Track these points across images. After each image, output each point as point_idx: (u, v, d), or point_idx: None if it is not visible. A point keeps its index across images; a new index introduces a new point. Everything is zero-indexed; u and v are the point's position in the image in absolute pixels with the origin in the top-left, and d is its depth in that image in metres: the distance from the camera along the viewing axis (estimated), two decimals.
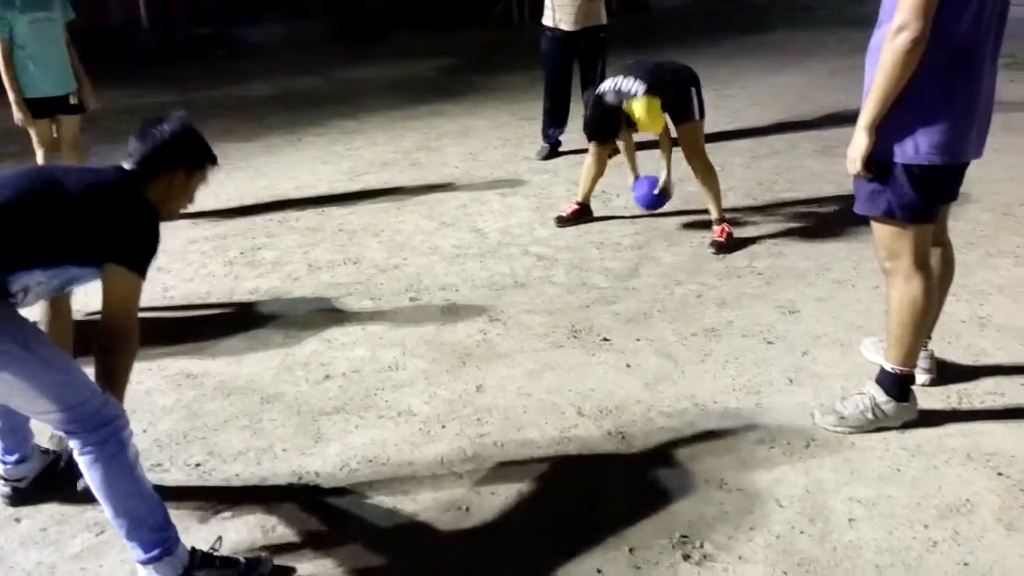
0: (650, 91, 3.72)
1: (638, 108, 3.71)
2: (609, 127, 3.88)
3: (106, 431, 1.90)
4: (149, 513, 1.95)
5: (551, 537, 2.16)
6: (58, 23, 4.47)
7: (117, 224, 2.01)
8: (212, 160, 2.26)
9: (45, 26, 4.41)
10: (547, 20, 5.61)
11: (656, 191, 4.10)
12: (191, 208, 2.35)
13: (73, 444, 1.92)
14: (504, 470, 2.45)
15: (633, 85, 3.74)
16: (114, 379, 2.05)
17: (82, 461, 1.92)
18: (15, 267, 1.88)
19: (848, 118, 2.35)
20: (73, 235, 1.96)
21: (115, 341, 2.04)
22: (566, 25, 5.48)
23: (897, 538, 2.09)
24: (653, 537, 2.13)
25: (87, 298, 3.78)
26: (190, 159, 2.20)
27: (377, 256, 4.18)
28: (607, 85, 3.85)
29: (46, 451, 2.49)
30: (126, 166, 2.13)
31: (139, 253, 2.04)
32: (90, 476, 1.92)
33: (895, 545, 2.06)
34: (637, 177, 4.28)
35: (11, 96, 4.40)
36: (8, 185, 1.95)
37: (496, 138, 6.43)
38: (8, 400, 1.92)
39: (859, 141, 2.25)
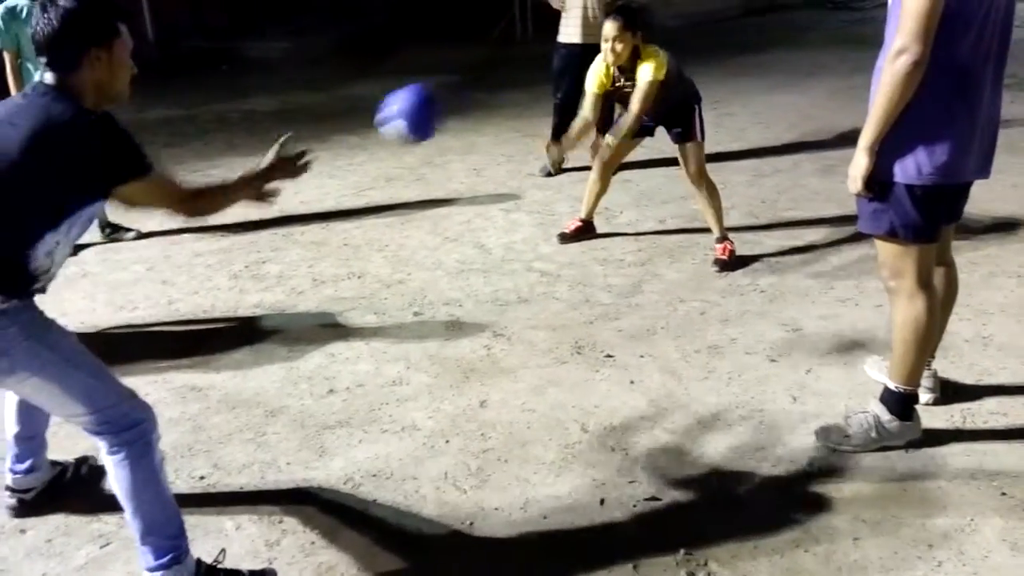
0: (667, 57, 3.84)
1: (648, 51, 3.82)
2: (632, 16, 3.84)
3: (135, 432, 1.94)
4: (166, 520, 1.97)
5: (555, 554, 2.17)
6: None
7: (85, 157, 1.82)
8: (124, 18, 1.95)
9: None
10: (563, 37, 5.66)
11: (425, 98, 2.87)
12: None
13: (101, 444, 1.94)
14: (508, 486, 2.45)
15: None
16: (218, 204, 2.11)
17: (109, 461, 1.94)
18: (21, 245, 1.82)
19: (850, 138, 2.37)
20: (49, 190, 1.81)
21: (188, 212, 2.08)
22: (585, 39, 5.42)
23: (902, 558, 2.09)
24: (657, 554, 2.13)
25: (93, 303, 3.83)
26: (98, 31, 1.88)
27: (381, 271, 4.19)
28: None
29: (54, 463, 2.50)
30: (47, 78, 1.87)
31: (127, 165, 1.87)
32: (115, 476, 1.94)
33: (899, 565, 2.06)
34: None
35: None
36: None
37: (500, 154, 6.46)
38: (39, 402, 1.95)
39: (860, 161, 2.27)
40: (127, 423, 1.93)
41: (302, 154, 2.20)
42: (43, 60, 1.87)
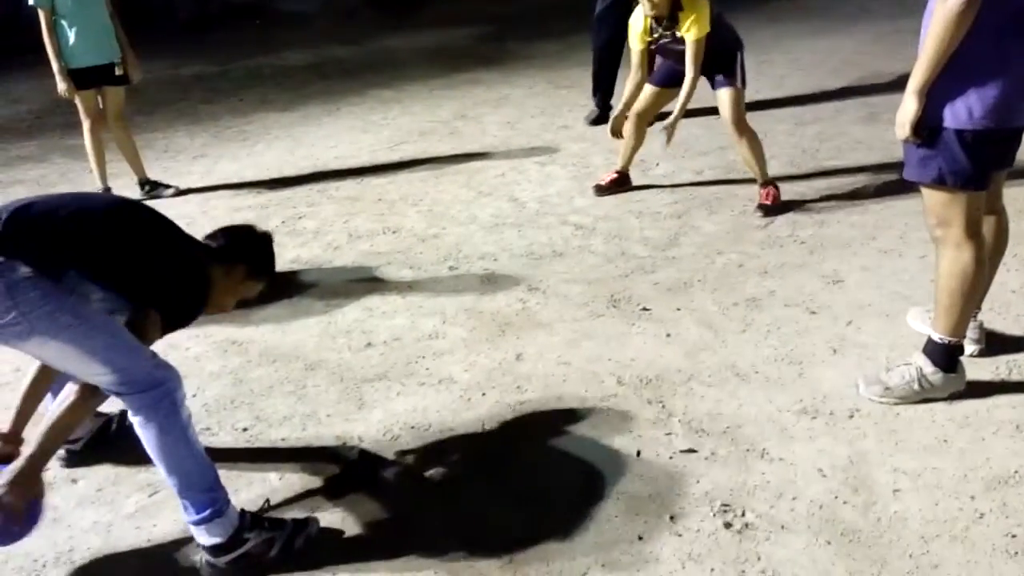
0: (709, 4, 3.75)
1: (689, 1, 3.73)
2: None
3: (159, 392, 1.95)
4: (200, 475, 2.00)
5: (592, 503, 2.18)
6: None
7: (176, 279, 2.10)
8: (273, 276, 2.40)
9: None
10: None
11: None
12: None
13: (126, 405, 1.97)
14: (544, 437, 2.46)
15: None
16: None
17: (135, 422, 1.97)
18: (71, 264, 1.93)
19: (895, 84, 2.29)
20: (136, 268, 2.03)
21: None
22: None
23: (943, 509, 2.07)
24: (694, 505, 2.14)
25: None
26: (257, 263, 2.33)
27: (416, 225, 4.20)
28: None
29: (99, 414, 2.56)
30: (211, 242, 2.27)
31: (179, 309, 2.12)
32: (144, 436, 1.97)
33: (940, 516, 2.04)
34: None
35: (54, 66, 4.47)
36: (100, 199, 2.15)
37: (533, 106, 6.38)
38: (61, 365, 1.98)
39: (909, 106, 2.20)
40: (150, 383, 1.94)
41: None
42: (215, 243, 2.27)
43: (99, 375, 1.93)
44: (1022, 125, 2.27)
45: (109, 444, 2.52)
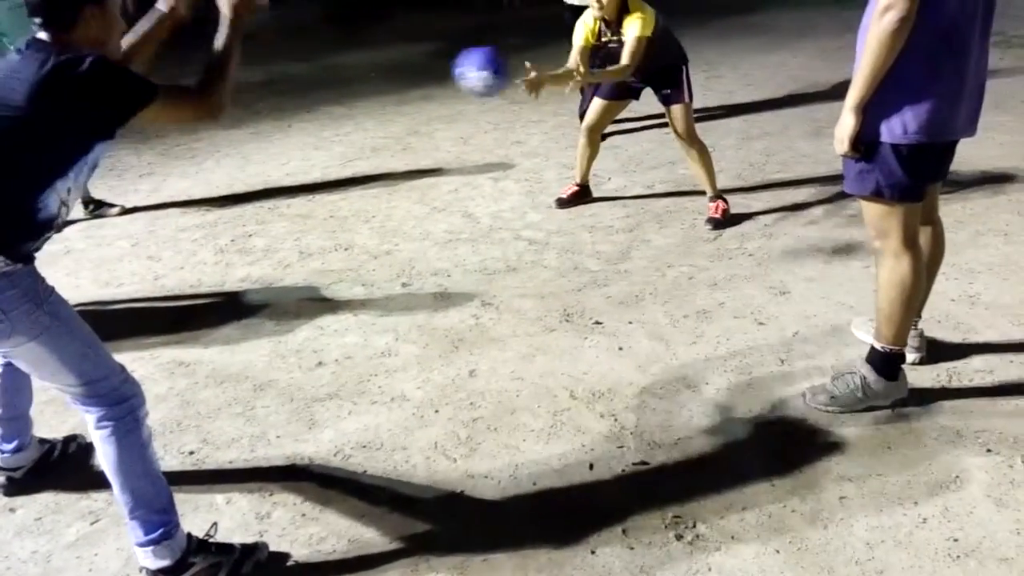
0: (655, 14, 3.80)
1: (636, 5, 3.77)
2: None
3: (124, 407, 1.94)
4: (155, 495, 1.97)
5: (545, 520, 2.18)
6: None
7: (91, 98, 1.80)
8: None
9: (21, 12, 4.36)
10: None
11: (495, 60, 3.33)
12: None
13: (89, 418, 1.94)
14: (497, 454, 2.46)
15: None
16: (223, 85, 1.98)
17: (96, 435, 1.94)
18: (31, 195, 1.80)
19: (840, 99, 2.34)
20: (57, 137, 1.81)
21: (208, 109, 1.96)
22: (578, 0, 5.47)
23: (887, 515, 2.11)
24: (646, 518, 2.15)
25: (77, 280, 3.79)
26: None
27: (368, 242, 4.17)
28: None
29: (42, 441, 2.49)
30: (40, 35, 1.89)
31: (134, 92, 1.85)
32: (102, 451, 1.94)
33: (885, 522, 2.08)
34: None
35: None
36: None
37: (486, 122, 6.40)
38: (32, 369, 1.94)
39: (846, 121, 2.26)
40: (117, 397, 1.93)
41: None
42: (38, 20, 1.88)
43: (70, 384, 1.91)
44: (954, 139, 2.35)
45: (50, 471, 2.45)
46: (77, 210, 4.74)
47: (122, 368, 1.99)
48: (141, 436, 1.97)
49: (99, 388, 1.92)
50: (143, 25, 2.27)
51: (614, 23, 3.85)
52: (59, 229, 1.97)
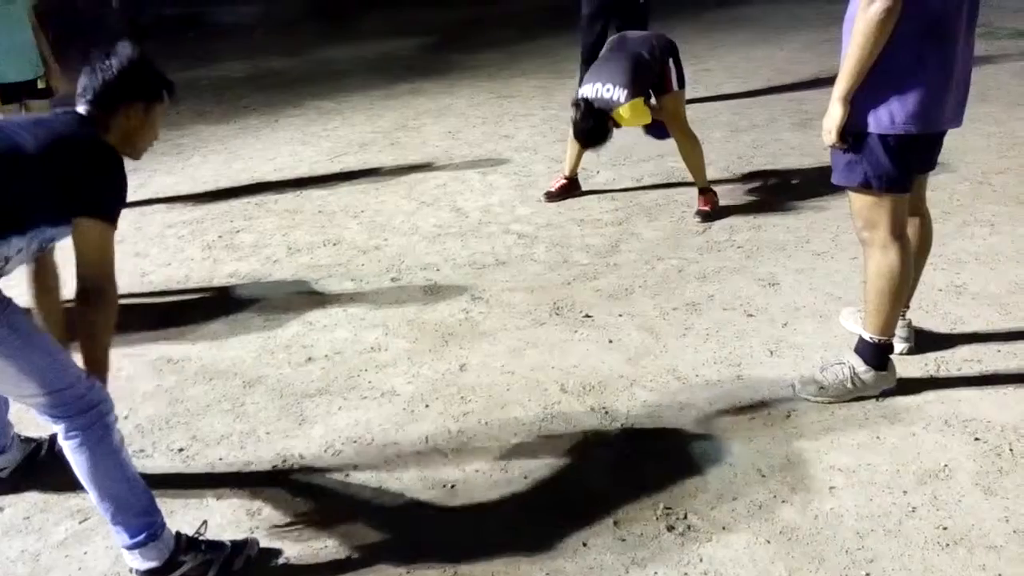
0: (633, 95, 3.73)
1: (625, 113, 3.74)
2: (601, 134, 3.86)
3: (91, 415, 1.89)
4: (135, 498, 1.94)
5: (536, 513, 2.18)
6: (20, 6, 4.37)
7: (81, 175, 1.89)
8: (170, 88, 2.10)
9: (7, 10, 4.31)
10: None
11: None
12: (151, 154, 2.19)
13: (58, 428, 1.90)
14: (488, 448, 2.46)
15: (615, 93, 3.73)
16: (96, 337, 1.97)
17: (67, 445, 1.90)
18: None
19: (827, 92, 2.35)
20: (39, 194, 1.85)
21: (93, 294, 1.94)
22: None
23: (877, 504, 2.12)
24: (637, 510, 2.15)
25: (64, 276, 3.75)
26: (146, 90, 2.04)
27: (357, 237, 4.15)
28: (590, 92, 3.82)
29: (26, 440, 2.47)
30: (80, 109, 1.99)
31: (107, 201, 1.93)
32: (75, 461, 1.91)
33: (875, 511, 2.10)
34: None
35: None
36: None
37: (475, 116, 6.39)
38: None
39: (834, 112, 2.26)
40: (83, 405, 1.88)
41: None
42: (87, 96, 1.99)
43: (32, 396, 1.86)
44: (942, 129, 2.35)
45: (38, 470, 2.43)
46: None
47: (87, 375, 1.96)
48: (113, 442, 1.93)
49: (63, 397, 1.87)
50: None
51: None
52: None
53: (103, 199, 1.93)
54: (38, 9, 4.50)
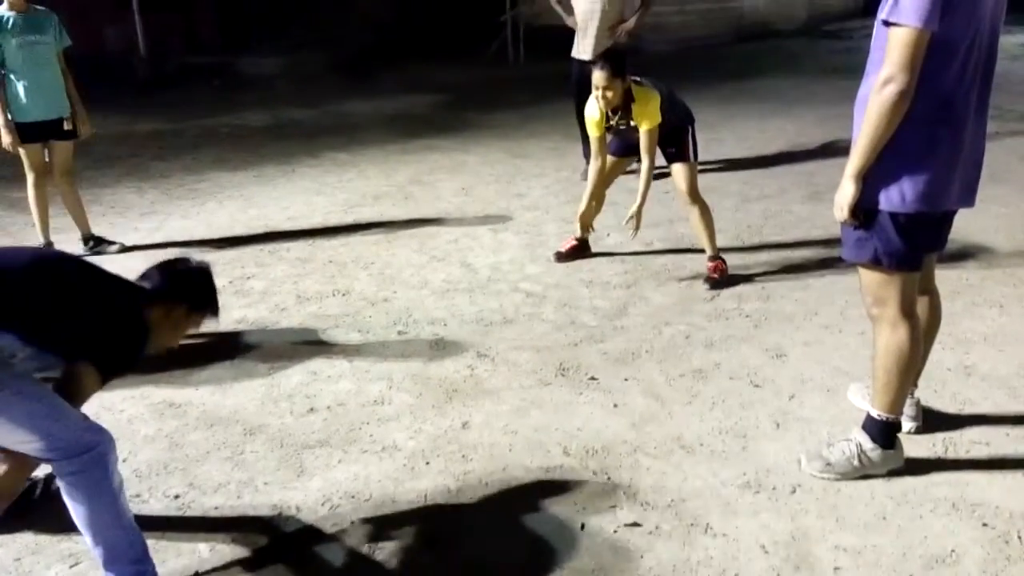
0: (659, 94, 3.93)
1: (640, 93, 3.89)
2: (619, 64, 3.91)
3: (89, 457, 1.88)
4: (129, 545, 1.92)
5: None
6: (51, 47, 4.48)
7: (109, 330, 2.03)
8: (215, 310, 2.33)
9: (37, 49, 4.42)
10: (573, 51, 5.96)
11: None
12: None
13: (55, 469, 1.89)
14: (488, 509, 2.42)
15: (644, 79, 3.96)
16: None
17: (63, 486, 1.89)
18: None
19: (837, 165, 2.38)
20: (63, 323, 1.96)
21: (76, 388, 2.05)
22: (585, 55, 5.80)
23: None
24: None
25: None
26: (197, 298, 2.28)
27: (367, 289, 4.17)
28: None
29: None
30: (145, 284, 2.20)
31: (116, 360, 2.06)
32: (71, 502, 1.89)
33: None
34: None
35: (0, 119, 4.39)
36: (24, 253, 2.09)
37: (488, 174, 6.47)
38: None
39: (846, 189, 2.28)
40: (80, 448, 1.87)
41: None
42: (148, 284, 2.20)
43: (26, 442, 1.85)
44: (952, 209, 2.37)
45: (31, 511, 2.40)
46: (77, 247, 4.75)
47: (84, 416, 1.96)
48: (111, 485, 1.92)
49: (59, 440, 1.88)
50: None
51: (621, 107, 3.97)
52: None
53: (114, 357, 2.06)
54: (67, 52, 4.61)
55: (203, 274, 2.31)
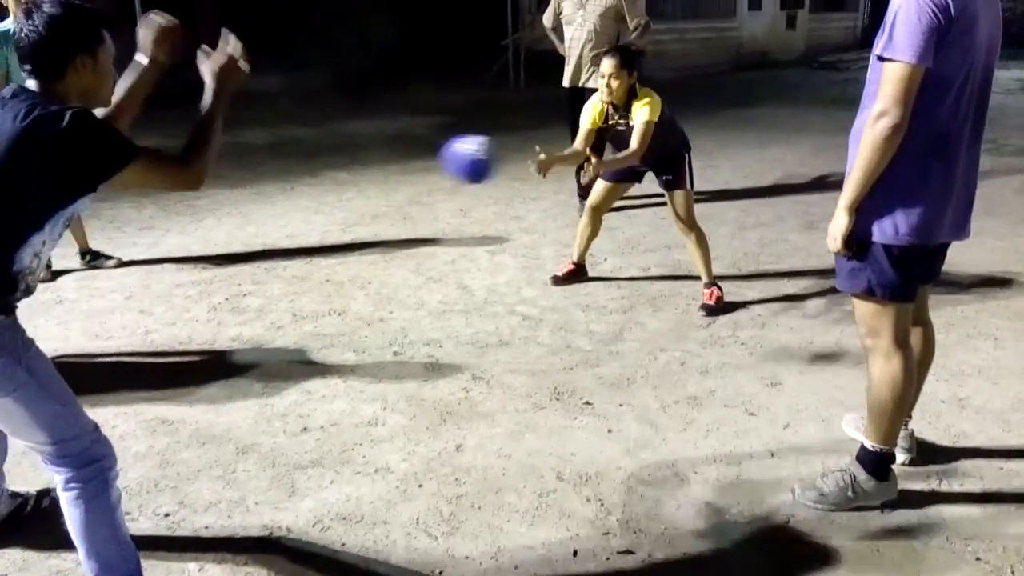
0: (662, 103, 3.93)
1: (645, 92, 3.90)
2: (628, 56, 3.89)
3: (92, 469, 1.90)
4: (122, 560, 1.92)
5: None
6: None
7: (70, 154, 1.75)
8: (107, 25, 1.91)
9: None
10: (563, 79, 6.01)
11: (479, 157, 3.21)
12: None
13: (58, 478, 1.90)
14: (480, 533, 2.41)
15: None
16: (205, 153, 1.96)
17: (64, 497, 1.90)
18: (5, 249, 1.79)
19: (834, 195, 2.40)
20: (34, 192, 1.77)
21: (189, 178, 1.93)
22: (566, 82, 5.89)
23: None
24: None
25: (67, 330, 3.77)
26: (83, 41, 1.85)
27: (363, 308, 4.17)
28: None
29: (13, 494, 2.44)
30: (29, 84, 1.85)
31: (114, 153, 1.80)
32: (69, 513, 1.90)
33: None
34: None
35: None
36: None
37: (487, 196, 6.49)
38: (5, 425, 1.90)
39: (840, 220, 2.30)
40: (87, 458, 1.89)
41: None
42: (27, 67, 1.83)
43: (40, 442, 1.87)
44: (945, 241, 2.39)
45: (21, 527, 2.38)
46: (73, 260, 4.75)
47: (95, 427, 1.95)
48: (110, 499, 1.92)
49: (69, 448, 1.88)
50: (126, 79, 2.16)
51: (622, 107, 3.96)
52: (29, 290, 1.88)
53: (109, 159, 1.79)
54: None
55: (64, 14, 1.83)
